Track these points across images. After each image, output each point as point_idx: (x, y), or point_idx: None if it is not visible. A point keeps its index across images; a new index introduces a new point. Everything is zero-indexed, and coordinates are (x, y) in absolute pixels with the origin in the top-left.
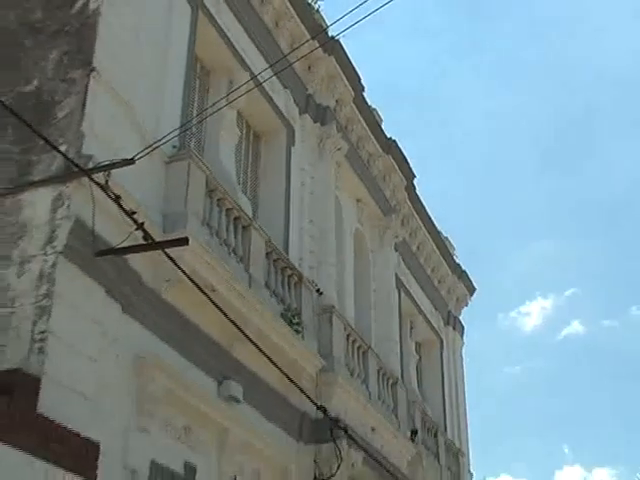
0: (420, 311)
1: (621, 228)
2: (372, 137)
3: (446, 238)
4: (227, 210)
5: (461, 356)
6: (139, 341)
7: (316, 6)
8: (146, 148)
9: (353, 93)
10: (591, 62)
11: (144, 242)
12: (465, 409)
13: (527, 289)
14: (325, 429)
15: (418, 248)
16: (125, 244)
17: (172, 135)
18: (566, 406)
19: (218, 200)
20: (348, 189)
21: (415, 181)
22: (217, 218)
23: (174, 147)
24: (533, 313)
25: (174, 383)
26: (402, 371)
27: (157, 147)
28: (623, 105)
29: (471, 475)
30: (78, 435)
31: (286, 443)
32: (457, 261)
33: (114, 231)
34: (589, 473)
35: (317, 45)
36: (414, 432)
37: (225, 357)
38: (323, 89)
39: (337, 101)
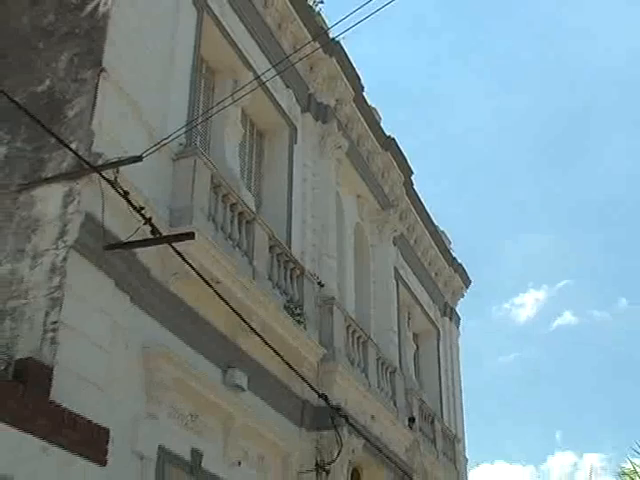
0: (418, 303)
1: (612, 223)
2: (371, 135)
3: (443, 232)
4: (232, 205)
5: (457, 346)
6: (147, 331)
7: (317, 8)
8: (154, 146)
9: (353, 92)
10: (588, 62)
11: (152, 236)
12: (461, 397)
13: (521, 281)
14: (326, 416)
15: (416, 242)
16: (133, 238)
17: (178, 133)
18: (558, 394)
19: (223, 196)
20: (348, 185)
21: (413, 177)
22: (222, 213)
23: (180, 145)
24: (526, 304)
25: (181, 372)
26: (400, 360)
27: (164, 145)
28: (618, 104)
29: (466, 460)
30: (89, 421)
31: (289, 430)
32: (453, 254)
33: (123, 226)
34: (580, 458)
35: (318, 46)
36: (412, 419)
37: (230, 347)
38: (324, 89)
39: (338, 100)
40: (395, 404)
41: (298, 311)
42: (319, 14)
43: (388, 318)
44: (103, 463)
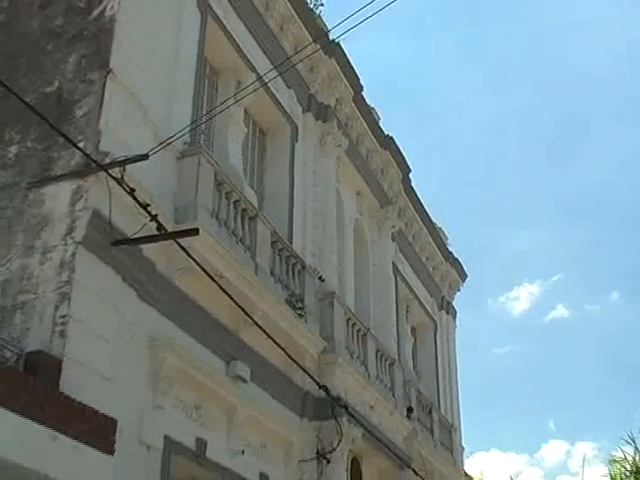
0: (415, 296)
1: (603, 219)
2: (370, 134)
3: (440, 228)
4: (235, 202)
5: (454, 338)
6: (153, 325)
7: (317, 11)
8: (159, 144)
9: (352, 92)
10: (585, 59)
11: (157, 232)
12: (457, 388)
13: (515, 275)
14: (327, 407)
15: (413, 237)
16: (140, 234)
17: (183, 132)
18: (552, 384)
19: (226, 193)
20: (348, 182)
21: (411, 175)
22: (225, 210)
23: (185, 143)
24: (521, 298)
25: (186, 364)
26: (399, 352)
27: (169, 143)
28: (607, 103)
29: (463, 449)
30: (97, 412)
31: (290, 420)
32: (450, 250)
33: (129, 222)
34: (572, 447)
35: (319, 48)
36: (410, 409)
37: (233, 339)
38: (324, 89)
39: (337, 100)
40: (393, 395)
41: (299, 305)
42: (319, 16)
43: (387, 312)
44: (111, 452)
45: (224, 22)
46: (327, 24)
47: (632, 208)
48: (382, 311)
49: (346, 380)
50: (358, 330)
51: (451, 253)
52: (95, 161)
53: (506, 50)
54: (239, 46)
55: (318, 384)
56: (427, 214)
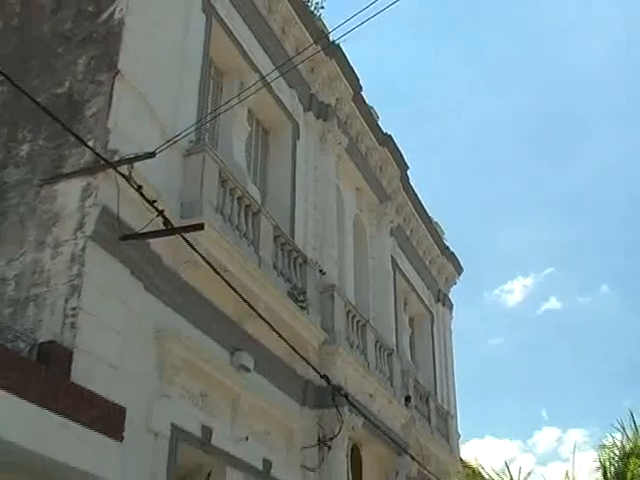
0: (413, 289)
1: (594, 216)
2: (370, 132)
3: (436, 223)
4: (239, 198)
5: (450, 329)
6: (160, 316)
7: (318, 14)
8: (166, 142)
9: (352, 92)
10: (579, 61)
11: (164, 227)
12: (453, 377)
13: (509, 269)
14: (328, 396)
15: (411, 232)
16: (147, 229)
17: (189, 130)
18: (544, 374)
19: (230, 189)
20: (348, 179)
21: (409, 172)
22: (230, 205)
23: (191, 142)
24: (515, 290)
25: (191, 354)
26: (397, 343)
27: (175, 141)
28: (603, 103)
29: (459, 436)
30: (106, 400)
31: (292, 408)
32: (446, 244)
33: (137, 218)
34: (564, 433)
35: (319, 49)
36: (408, 398)
37: (237, 331)
38: (325, 89)
39: (338, 99)
40: (392, 384)
41: (301, 297)
42: (320, 19)
43: (385, 304)
44: (119, 439)
45: (228, 25)
46: (327, 26)
47: (621, 206)
48: (381, 303)
49: (346, 370)
50: (358, 322)
51: (447, 247)
52: (104, 159)
53: (506, 50)
54: (243, 48)
55: (319, 374)
56: (424, 210)
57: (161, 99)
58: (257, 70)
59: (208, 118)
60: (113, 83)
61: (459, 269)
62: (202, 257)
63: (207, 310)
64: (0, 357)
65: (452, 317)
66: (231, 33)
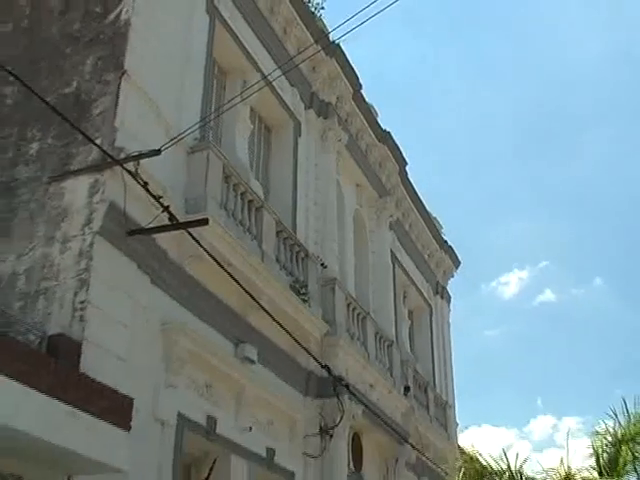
0: (412, 282)
1: (587, 209)
2: (369, 129)
3: (435, 218)
4: (242, 194)
5: (448, 321)
6: (166, 309)
7: (318, 14)
8: (171, 140)
9: (352, 91)
10: (578, 60)
11: (169, 223)
12: (451, 367)
13: (505, 262)
14: (329, 386)
15: (410, 227)
16: (153, 225)
17: (193, 128)
18: (540, 364)
19: (234, 185)
20: (348, 175)
21: (407, 168)
22: (233, 201)
23: (195, 139)
24: (511, 283)
25: (196, 346)
26: (396, 335)
27: (180, 139)
28: (589, 100)
29: (457, 425)
30: (115, 391)
31: (295, 398)
32: (444, 238)
33: (143, 213)
34: (559, 421)
35: (320, 48)
36: (407, 388)
37: (241, 323)
38: (326, 87)
39: (338, 98)
40: (392, 374)
41: (303, 290)
42: (320, 19)
43: (385, 296)
44: (127, 428)
45: (231, 25)
46: (328, 26)
47: (614, 200)
48: (381, 296)
49: (347, 361)
50: (358, 314)
51: (445, 241)
52: (111, 156)
53: (506, 50)
54: (245, 48)
55: (321, 364)
56: (423, 205)
57: (166, 98)
58: (259, 69)
59: (212, 116)
60: (119, 83)
61: (457, 262)
62: (206, 251)
63: (212, 303)
64: (11, 349)
65: (450, 309)
66: (234, 33)
